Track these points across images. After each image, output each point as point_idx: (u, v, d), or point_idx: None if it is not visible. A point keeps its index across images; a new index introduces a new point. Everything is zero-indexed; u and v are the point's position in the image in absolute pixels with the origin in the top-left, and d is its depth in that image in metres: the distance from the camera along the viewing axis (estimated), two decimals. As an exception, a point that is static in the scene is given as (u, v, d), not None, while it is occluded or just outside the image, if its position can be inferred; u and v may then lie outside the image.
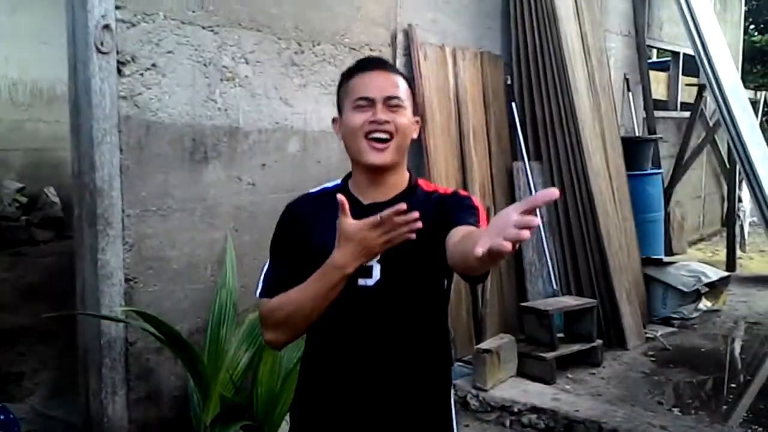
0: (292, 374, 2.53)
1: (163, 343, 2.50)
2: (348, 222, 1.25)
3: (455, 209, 1.36)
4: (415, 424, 1.41)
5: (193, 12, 2.81)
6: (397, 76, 1.43)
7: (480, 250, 0.96)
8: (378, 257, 1.31)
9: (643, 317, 4.61)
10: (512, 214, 0.96)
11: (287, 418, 2.56)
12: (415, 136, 1.45)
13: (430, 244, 1.31)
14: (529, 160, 4.50)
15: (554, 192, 0.96)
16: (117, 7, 2.53)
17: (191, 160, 2.86)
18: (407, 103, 1.41)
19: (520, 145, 4.51)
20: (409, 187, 1.45)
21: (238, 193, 3.05)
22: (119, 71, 2.57)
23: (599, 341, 4.02)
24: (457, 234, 1.24)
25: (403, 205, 1.19)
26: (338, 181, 1.51)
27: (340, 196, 1.27)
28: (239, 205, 3.05)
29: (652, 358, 4.17)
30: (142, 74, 2.65)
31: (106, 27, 2.49)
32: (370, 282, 1.36)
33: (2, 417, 1.27)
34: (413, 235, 1.21)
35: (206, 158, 2.92)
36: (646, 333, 4.50)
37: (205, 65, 2.87)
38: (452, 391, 1.53)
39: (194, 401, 2.56)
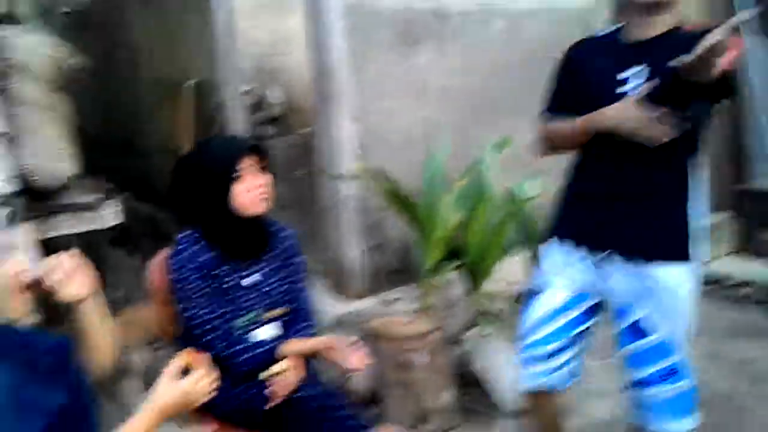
0: (499, 230, 2.84)
1: (387, 200, 2.93)
2: (641, 102, 1.57)
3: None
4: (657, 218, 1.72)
5: None
6: None
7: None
8: (645, 67, 1.63)
9: None
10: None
11: (495, 267, 2.90)
12: None
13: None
14: None
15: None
16: None
17: (404, 44, 3.16)
18: None
19: None
20: (673, 29, 1.65)
21: (445, 74, 3.31)
22: (344, -37, 2.90)
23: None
24: None
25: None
26: (611, 28, 1.80)
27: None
28: (446, 85, 3.32)
29: None
30: (362, -35, 2.96)
31: None
32: (627, 89, 1.64)
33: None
34: (660, 140, 1.55)
35: (417, 41, 3.20)
36: None
37: (415, -49, 3.09)
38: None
39: (416, 249, 2.99)
